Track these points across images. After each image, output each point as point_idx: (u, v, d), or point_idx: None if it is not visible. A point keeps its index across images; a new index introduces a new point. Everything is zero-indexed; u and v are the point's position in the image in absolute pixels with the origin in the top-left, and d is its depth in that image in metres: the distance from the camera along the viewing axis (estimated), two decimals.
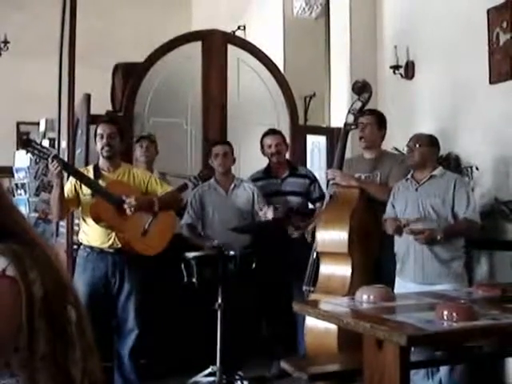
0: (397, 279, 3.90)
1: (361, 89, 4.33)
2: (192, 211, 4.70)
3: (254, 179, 4.93)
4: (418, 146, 3.89)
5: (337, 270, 3.97)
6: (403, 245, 3.86)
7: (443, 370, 3.60)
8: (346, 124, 4.33)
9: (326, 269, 4.02)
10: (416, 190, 3.88)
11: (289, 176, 4.83)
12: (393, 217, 3.92)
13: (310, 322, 3.74)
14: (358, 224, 3.99)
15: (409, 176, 4.00)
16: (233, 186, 4.76)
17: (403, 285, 3.81)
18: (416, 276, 3.77)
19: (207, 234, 4.64)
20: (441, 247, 3.73)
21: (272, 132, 4.94)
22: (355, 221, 3.97)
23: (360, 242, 3.97)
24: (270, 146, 4.80)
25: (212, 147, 4.83)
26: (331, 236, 4.00)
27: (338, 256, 3.96)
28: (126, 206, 3.81)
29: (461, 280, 3.75)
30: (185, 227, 4.66)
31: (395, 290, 3.75)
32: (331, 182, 4.24)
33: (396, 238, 3.90)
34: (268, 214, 4.45)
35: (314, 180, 4.86)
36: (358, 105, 4.29)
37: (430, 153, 3.93)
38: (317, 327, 3.69)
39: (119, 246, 3.90)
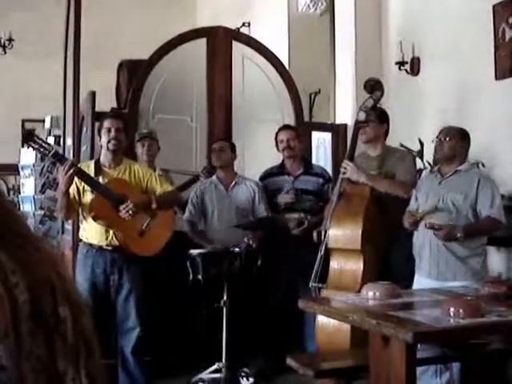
0: (415, 275, 3.84)
1: (373, 87, 4.29)
2: (192, 207, 4.71)
3: (267, 175, 4.92)
4: (448, 139, 3.77)
5: (348, 267, 3.96)
6: (420, 238, 3.79)
7: (455, 368, 3.56)
8: (357, 121, 4.28)
9: (338, 265, 4.01)
10: (439, 183, 3.78)
11: (302, 174, 4.80)
12: (410, 210, 3.84)
13: (322, 318, 3.72)
14: (370, 221, 3.98)
15: (435, 169, 3.92)
16: (234, 183, 4.76)
17: (420, 281, 3.76)
18: (431, 272, 3.70)
19: (208, 234, 4.65)
20: (458, 244, 3.63)
21: (285, 127, 4.91)
22: (367, 218, 3.96)
23: (371, 239, 3.97)
24: (282, 141, 4.77)
25: (212, 145, 4.88)
26: (344, 233, 3.98)
27: (350, 252, 3.95)
28: (123, 213, 3.78)
29: (478, 278, 3.60)
30: (185, 223, 4.68)
31: (414, 286, 3.74)
32: (341, 176, 4.20)
33: (415, 231, 3.85)
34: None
35: (328, 180, 4.79)
36: (370, 103, 4.24)
37: (459, 146, 3.79)
38: (329, 324, 3.67)
39: (117, 244, 3.88)
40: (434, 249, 3.69)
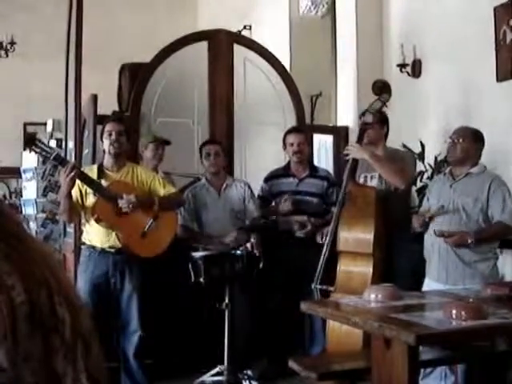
0: (426, 278, 3.82)
1: (381, 89, 4.28)
2: (185, 212, 4.67)
3: (272, 176, 4.89)
4: (461, 140, 3.70)
5: (358, 270, 3.96)
6: (429, 241, 3.77)
7: (459, 370, 3.55)
8: (364, 123, 4.26)
9: (347, 268, 4.00)
10: (450, 186, 3.74)
11: (307, 176, 4.77)
12: (421, 211, 3.82)
13: (334, 322, 3.68)
14: (378, 224, 3.98)
15: (447, 170, 3.88)
16: (225, 185, 4.74)
17: (429, 284, 3.73)
18: (440, 275, 3.68)
19: (206, 234, 4.65)
20: (467, 249, 3.61)
21: (295, 130, 4.88)
22: (377, 221, 3.96)
23: (378, 242, 3.97)
24: (292, 145, 4.72)
25: (202, 146, 4.83)
26: (355, 236, 3.97)
27: (360, 256, 3.95)
28: (123, 203, 3.78)
29: (488, 282, 3.50)
30: (179, 228, 4.65)
31: (423, 289, 3.71)
32: (345, 158, 4.19)
33: (425, 234, 3.82)
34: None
35: (333, 183, 4.76)
36: (378, 104, 4.22)
37: (472, 148, 3.73)
38: (341, 327, 3.65)
39: (119, 246, 3.89)
40: (442, 253, 3.67)
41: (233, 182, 4.80)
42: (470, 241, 3.52)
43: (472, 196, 3.65)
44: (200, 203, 4.71)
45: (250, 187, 4.79)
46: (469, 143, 3.73)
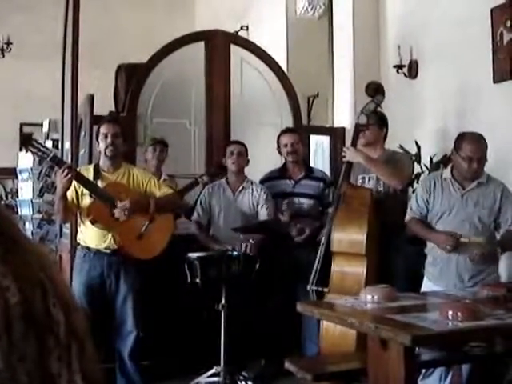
0: (428, 283, 3.80)
1: (375, 90, 4.29)
2: (200, 209, 4.70)
3: (268, 178, 4.89)
4: (481, 159, 3.64)
5: (352, 271, 3.96)
6: (441, 252, 3.71)
7: (464, 370, 3.54)
8: (357, 124, 4.27)
9: (341, 269, 4.01)
10: (461, 196, 3.70)
11: (303, 178, 4.76)
12: (449, 231, 3.65)
13: (328, 323, 3.68)
14: (372, 225, 3.98)
15: (448, 175, 3.78)
16: (241, 187, 4.72)
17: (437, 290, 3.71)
18: (456, 284, 3.65)
19: (214, 235, 4.65)
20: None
21: (289, 131, 4.88)
22: (370, 222, 3.96)
23: (373, 243, 3.97)
24: (286, 145, 4.72)
25: (227, 146, 4.81)
26: (349, 237, 3.98)
27: (354, 256, 3.95)
28: (118, 212, 3.78)
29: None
30: (193, 225, 4.68)
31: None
32: (343, 159, 4.21)
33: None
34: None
35: (329, 184, 4.74)
36: (372, 106, 4.23)
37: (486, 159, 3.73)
38: (334, 328, 3.65)
39: (115, 247, 3.88)
40: (461, 263, 3.66)
41: (250, 185, 4.76)
42: (499, 255, 3.66)
43: (488, 208, 3.67)
44: (215, 202, 4.71)
45: (265, 191, 4.72)
46: (485, 158, 3.70)
